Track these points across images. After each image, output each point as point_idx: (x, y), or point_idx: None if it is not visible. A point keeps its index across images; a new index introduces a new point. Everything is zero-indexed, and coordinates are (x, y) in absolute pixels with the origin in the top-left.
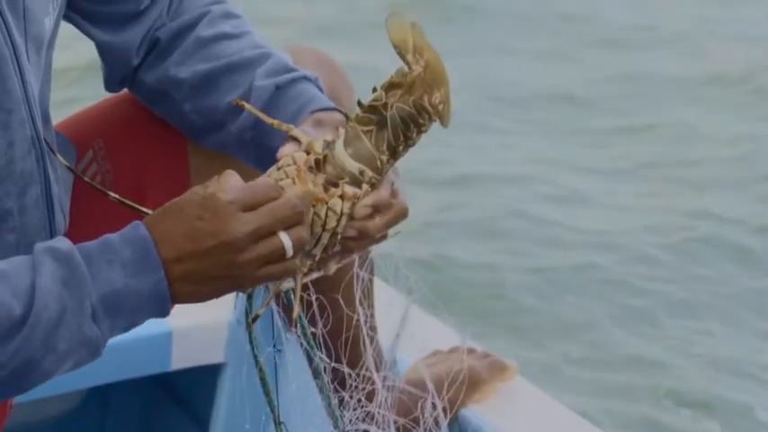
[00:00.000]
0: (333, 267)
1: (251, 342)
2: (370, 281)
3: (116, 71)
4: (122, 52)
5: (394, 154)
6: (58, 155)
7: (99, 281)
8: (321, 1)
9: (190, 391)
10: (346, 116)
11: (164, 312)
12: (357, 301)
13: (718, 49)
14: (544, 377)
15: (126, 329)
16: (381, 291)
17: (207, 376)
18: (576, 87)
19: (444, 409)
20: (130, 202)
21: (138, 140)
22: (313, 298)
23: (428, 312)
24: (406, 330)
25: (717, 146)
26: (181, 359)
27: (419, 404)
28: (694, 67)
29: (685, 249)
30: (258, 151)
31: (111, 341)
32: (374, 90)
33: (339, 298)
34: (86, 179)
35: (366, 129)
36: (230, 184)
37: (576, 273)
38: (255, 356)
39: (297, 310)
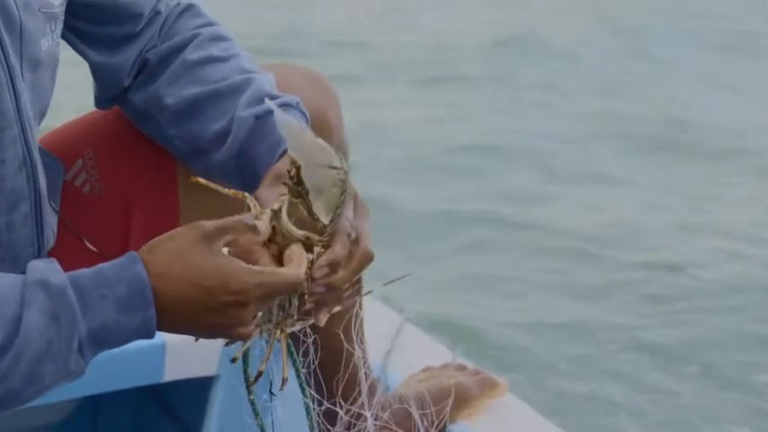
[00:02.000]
0: (323, 318)
1: (250, 399)
2: (361, 318)
3: (107, 91)
4: (115, 73)
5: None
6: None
7: (89, 316)
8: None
9: (182, 403)
10: (286, 183)
11: (148, 338)
12: (355, 337)
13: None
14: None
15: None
16: (374, 306)
17: (199, 388)
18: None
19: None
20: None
21: (128, 152)
22: (310, 340)
23: (420, 329)
24: (398, 346)
25: None
26: (173, 371)
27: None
28: None
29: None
30: (244, 179)
31: (105, 352)
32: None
33: (332, 333)
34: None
35: (298, 199)
36: (262, 277)
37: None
38: (254, 410)
39: (286, 370)
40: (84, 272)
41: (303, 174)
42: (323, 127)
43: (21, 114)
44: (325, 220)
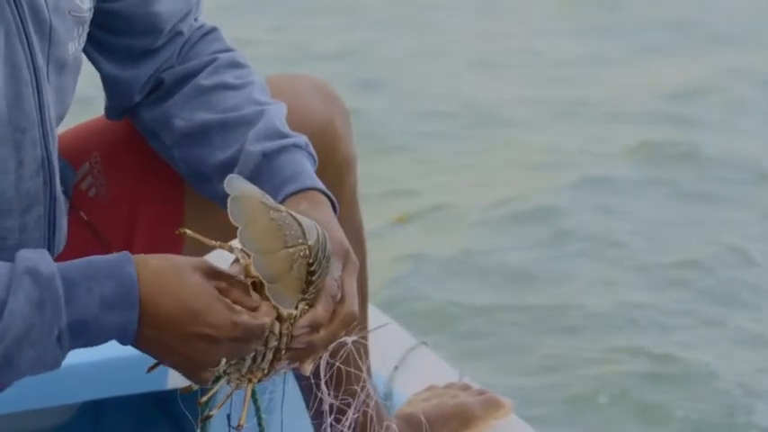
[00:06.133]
0: (309, 368)
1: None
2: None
3: (117, 103)
4: (126, 87)
5: (308, 282)
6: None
7: (73, 307)
8: None
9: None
10: None
11: (125, 342)
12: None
13: None
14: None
15: (82, 347)
16: (380, 321)
17: (202, 396)
18: None
19: None
20: None
21: (136, 158)
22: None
23: (430, 348)
24: (405, 364)
25: None
26: (177, 378)
27: None
28: None
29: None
30: None
31: (108, 358)
32: None
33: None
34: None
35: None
36: (238, 317)
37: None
38: None
39: (243, 417)
40: (75, 263)
41: (253, 267)
42: (330, 137)
43: (43, 117)
44: (288, 306)
